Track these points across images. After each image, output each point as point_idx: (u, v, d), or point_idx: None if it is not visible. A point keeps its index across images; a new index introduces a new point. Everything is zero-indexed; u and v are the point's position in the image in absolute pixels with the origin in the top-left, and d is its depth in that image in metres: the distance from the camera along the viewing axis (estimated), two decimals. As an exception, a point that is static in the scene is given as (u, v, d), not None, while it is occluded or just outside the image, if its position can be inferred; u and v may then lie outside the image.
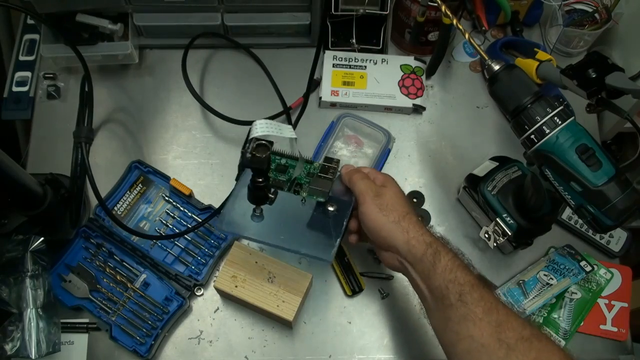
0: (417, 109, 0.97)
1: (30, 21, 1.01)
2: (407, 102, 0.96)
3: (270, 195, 0.71)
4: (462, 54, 1.03)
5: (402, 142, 0.96)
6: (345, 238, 0.77)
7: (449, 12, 0.76)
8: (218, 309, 0.85)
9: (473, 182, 0.86)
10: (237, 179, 0.91)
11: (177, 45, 0.96)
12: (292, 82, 0.97)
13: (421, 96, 0.97)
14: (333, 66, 0.97)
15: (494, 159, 0.89)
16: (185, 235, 0.86)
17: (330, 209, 0.74)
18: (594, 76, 0.75)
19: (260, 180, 0.67)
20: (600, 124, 0.98)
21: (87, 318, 0.83)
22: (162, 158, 0.94)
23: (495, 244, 0.82)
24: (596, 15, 0.94)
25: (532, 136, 0.66)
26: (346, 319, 0.85)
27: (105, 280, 0.84)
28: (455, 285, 0.63)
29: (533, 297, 0.83)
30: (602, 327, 0.85)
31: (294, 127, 0.93)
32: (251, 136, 0.67)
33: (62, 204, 0.85)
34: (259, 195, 0.70)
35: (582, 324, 0.85)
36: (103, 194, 0.82)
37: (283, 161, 0.76)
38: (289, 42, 1.00)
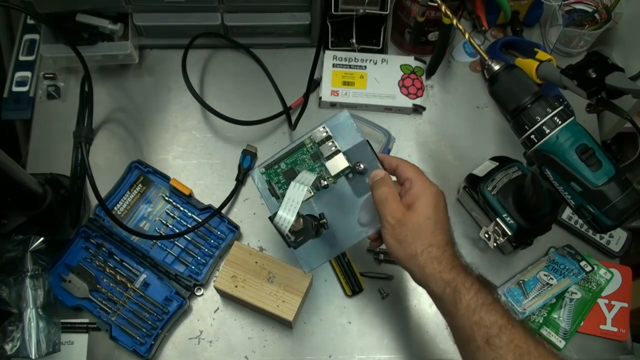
0: (417, 109, 0.97)
1: (30, 21, 1.01)
2: (407, 102, 0.96)
3: (323, 221, 0.66)
4: (462, 54, 1.03)
5: (402, 142, 0.96)
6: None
7: (449, 12, 0.76)
8: (218, 309, 0.85)
9: (473, 182, 0.86)
10: (237, 179, 0.91)
11: (177, 45, 0.96)
12: (292, 82, 0.97)
13: (421, 96, 0.97)
14: (333, 66, 0.97)
15: (494, 159, 0.89)
16: (185, 235, 0.86)
17: (362, 166, 0.67)
18: (594, 76, 0.75)
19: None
20: (600, 124, 0.98)
21: (87, 318, 0.83)
22: (162, 158, 0.94)
23: (495, 244, 0.82)
24: (596, 15, 0.94)
25: (532, 136, 0.66)
26: (346, 319, 0.85)
27: (105, 280, 0.84)
28: (480, 327, 0.58)
29: (533, 297, 0.83)
30: (602, 327, 0.85)
31: (294, 127, 0.93)
32: (284, 233, 0.63)
33: (62, 204, 0.85)
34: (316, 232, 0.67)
35: (582, 324, 0.85)
36: (103, 194, 0.82)
37: (283, 166, 0.70)
38: (289, 42, 1.00)
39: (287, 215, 0.62)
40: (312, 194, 0.68)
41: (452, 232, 0.66)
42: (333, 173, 0.67)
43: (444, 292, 0.61)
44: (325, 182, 0.68)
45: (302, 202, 0.63)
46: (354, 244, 0.70)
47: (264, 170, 0.69)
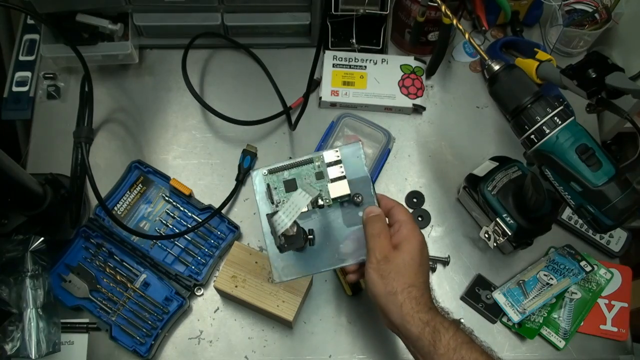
0: (417, 109, 0.97)
1: (30, 21, 1.01)
2: (407, 102, 0.96)
3: (310, 237, 0.67)
4: (462, 54, 1.03)
5: (402, 142, 0.96)
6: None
7: (449, 12, 0.76)
8: (218, 309, 0.85)
9: (473, 182, 0.86)
10: (237, 179, 0.91)
11: (177, 45, 0.96)
12: (292, 82, 0.97)
13: (421, 96, 0.97)
14: (333, 66, 0.97)
15: (494, 159, 0.89)
16: (185, 235, 0.86)
17: (358, 199, 0.69)
18: (594, 76, 0.75)
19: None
20: (600, 124, 0.98)
21: (87, 318, 0.83)
22: (162, 158, 0.94)
23: (495, 244, 0.83)
24: (596, 15, 0.94)
25: (532, 136, 0.66)
26: (346, 319, 0.85)
27: (105, 280, 0.84)
28: None
29: (533, 297, 0.83)
30: (602, 327, 0.85)
31: (294, 127, 0.93)
32: (279, 233, 0.64)
33: (62, 204, 0.85)
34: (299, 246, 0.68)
35: (582, 324, 0.85)
36: (103, 194, 0.82)
37: (286, 175, 0.69)
38: (289, 42, 1.00)
39: (286, 217, 0.62)
40: (307, 209, 0.69)
41: (430, 278, 0.68)
42: (333, 196, 0.68)
43: (423, 332, 0.61)
44: (322, 202, 0.69)
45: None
46: (330, 270, 0.72)
47: (266, 172, 0.69)
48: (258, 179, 0.69)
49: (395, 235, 0.67)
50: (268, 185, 0.69)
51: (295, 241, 0.65)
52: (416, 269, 0.65)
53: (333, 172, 0.69)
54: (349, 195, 0.68)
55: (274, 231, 0.64)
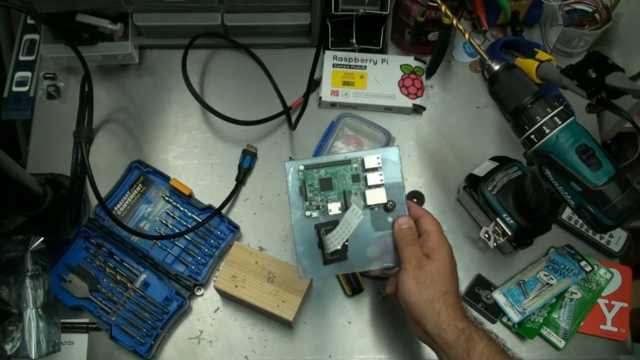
0: (417, 109, 0.97)
1: (30, 21, 1.01)
2: (407, 102, 0.96)
3: (346, 243, 0.68)
4: (462, 54, 1.03)
5: (402, 142, 0.96)
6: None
7: (449, 12, 0.76)
8: (218, 309, 0.85)
9: (473, 182, 0.86)
10: (237, 179, 0.91)
11: (177, 45, 0.96)
12: (292, 82, 0.97)
13: (421, 96, 0.97)
14: (333, 66, 0.97)
15: (494, 159, 0.89)
16: (185, 235, 0.86)
17: (390, 206, 0.69)
18: (594, 76, 0.75)
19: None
20: (600, 124, 0.98)
21: (87, 318, 0.83)
22: (162, 158, 0.94)
23: (495, 244, 0.83)
24: (596, 15, 0.94)
25: (532, 136, 0.66)
26: (346, 319, 0.85)
27: (105, 280, 0.84)
28: None
29: (533, 297, 0.83)
30: (602, 327, 0.85)
31: (294, 127, 0.93)
32: (331, 251, 0.66)
33: (62, 204, 0.85)
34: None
35: (582, 324, 0.85)
36: (103, 194, 0.82)
37: (322, 173, 0.69)
38: (289, 42, 1.00)
39: (340, 236, 0.65)
40: (339, 212, 0.69)
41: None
42: (370, 203, 0.68)
43: (458, 339, 0.62)
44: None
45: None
46: (355, 271, 0.73)
47: (303, 168, 0.68)
48: (292, 173, 0.68)
49: (424, 245, 0.68)
50: (303, 181, 0.68)
51: (340, 254, 0.67)
52: (449, 276, 0.66)
53: (372, 178, 0.68)
54: (385, 203, 0.69)
55: (323, 247, 0.67)
